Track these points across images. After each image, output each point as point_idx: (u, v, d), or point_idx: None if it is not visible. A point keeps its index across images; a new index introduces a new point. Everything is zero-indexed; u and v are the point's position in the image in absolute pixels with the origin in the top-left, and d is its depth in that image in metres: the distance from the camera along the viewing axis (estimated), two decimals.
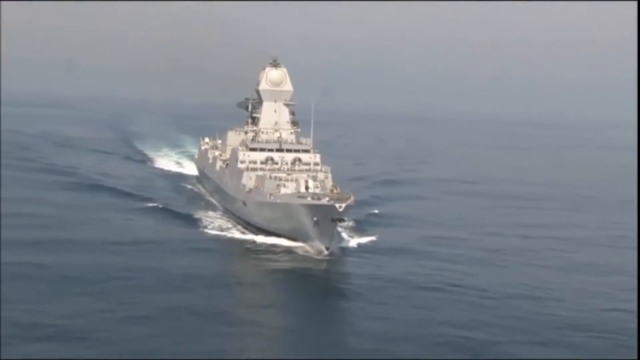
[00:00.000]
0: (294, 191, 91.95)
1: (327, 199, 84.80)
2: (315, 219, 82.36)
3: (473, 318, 64.17)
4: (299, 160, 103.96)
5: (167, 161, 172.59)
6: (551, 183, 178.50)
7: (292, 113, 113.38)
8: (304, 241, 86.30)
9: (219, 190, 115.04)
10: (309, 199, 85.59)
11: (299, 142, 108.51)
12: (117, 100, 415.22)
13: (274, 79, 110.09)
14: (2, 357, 40.66)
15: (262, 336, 60.00)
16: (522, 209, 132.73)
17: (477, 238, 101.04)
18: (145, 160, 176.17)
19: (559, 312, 67.44)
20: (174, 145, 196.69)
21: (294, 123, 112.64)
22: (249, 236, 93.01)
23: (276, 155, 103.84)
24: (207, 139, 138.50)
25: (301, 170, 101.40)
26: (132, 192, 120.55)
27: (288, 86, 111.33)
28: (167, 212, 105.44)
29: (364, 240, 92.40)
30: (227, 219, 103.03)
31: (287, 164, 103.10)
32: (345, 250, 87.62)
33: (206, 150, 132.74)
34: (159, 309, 62.29)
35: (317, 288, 76.26)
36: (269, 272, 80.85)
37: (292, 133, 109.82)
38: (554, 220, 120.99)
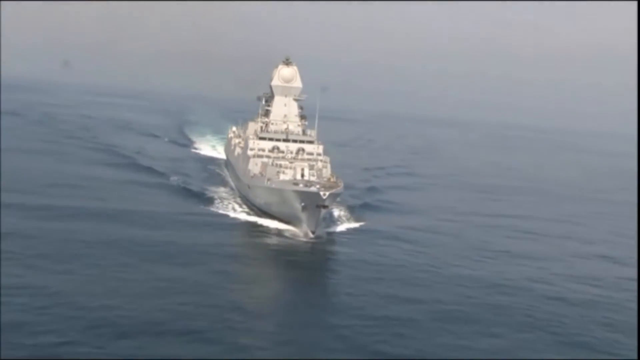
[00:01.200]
0: (291, 178, 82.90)
1: (317, 186, 75.79)
2: (302, 204, 73.46)
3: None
4: (303, 150, 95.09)
5: (205, 145, 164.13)
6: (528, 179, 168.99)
7: (301, 107, 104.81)
8: (294, 224, 77.49)
9: (234, 175, 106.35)
10: (300, 185, 76.70)
11: (304, 134, 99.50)
12: (175, 93, 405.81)
13: (285, 75, 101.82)
14: (2, 357, 34.98)
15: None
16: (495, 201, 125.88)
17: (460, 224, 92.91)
18: (188, 144, 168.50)
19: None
20: (217, 132, 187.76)
21: (302, 117, 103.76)
22: (252, 218, 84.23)
23: (282, 145, 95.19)
24: (234, 128, 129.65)
25: (303, 159, 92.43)
26: (163, 171, 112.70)
27: (298, 83, 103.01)
28: (186, 191, 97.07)
29: (354, 225, 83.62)
30: (238, 202, 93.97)
31: (291, 152, 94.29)
32: (332, 234, 78.81)
33: (231, 137, 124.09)
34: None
35: (295, 263, 68.60)
36: (256, 247, 74.16)
37: (298, 125, 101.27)
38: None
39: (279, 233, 76.98)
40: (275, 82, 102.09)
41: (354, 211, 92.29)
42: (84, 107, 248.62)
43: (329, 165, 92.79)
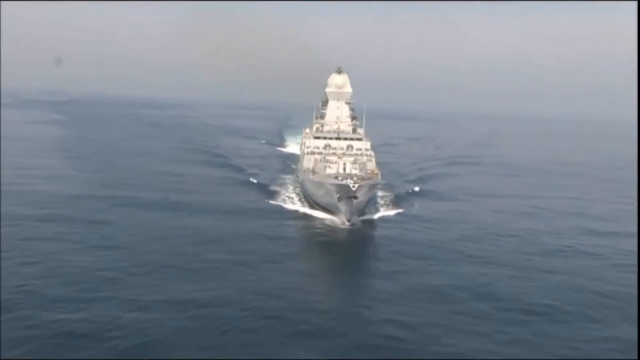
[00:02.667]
0: (335, 172, 73.82)
1: (353, 179, 66.28)
2: (337, 195, 64.21)
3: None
4: (351, 146, 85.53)
5: (293, 145, 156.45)
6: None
7: (352, 109, 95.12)
8: (334, 214, 67.92)
9: (298, 170, 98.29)
10: (339, 178, 67.29)
11: (354, 133, 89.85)
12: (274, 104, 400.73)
13: (338, 83, 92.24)
14: (2, 357, 30.82)
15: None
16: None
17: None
18: (279, 144, 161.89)
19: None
20: None
21: (353, 117, 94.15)
22: (304, 208, 73.65)
23: (334, 142, 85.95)
24: (307, 129, 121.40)
25: (350, 155, 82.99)
26: (244, 167, 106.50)
27: (348, 88, 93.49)
28: (256, 185, 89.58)
29: (391, 212, 73.05)
30: (298, 193, 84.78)
31: (342, 149, 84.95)
32: (368, 222, 68.41)
33: (303, 137, 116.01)
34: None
35: (329, 245, 59.56)
36: (298, 232, 64.21)
37: (349, 125, 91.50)
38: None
39: (321, 221, 67.70)
40: (329, 88, 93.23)
41: (398, 199, 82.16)
42: (206, 118, 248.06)
43: (373, 159, 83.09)
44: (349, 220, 64.64)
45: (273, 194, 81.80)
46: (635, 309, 43.65)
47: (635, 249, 60.78)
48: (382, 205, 77.47)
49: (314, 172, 75.91)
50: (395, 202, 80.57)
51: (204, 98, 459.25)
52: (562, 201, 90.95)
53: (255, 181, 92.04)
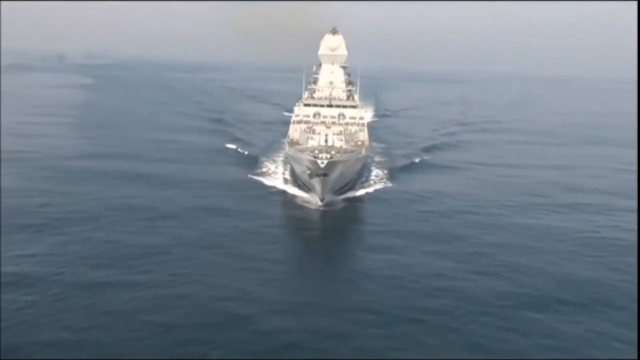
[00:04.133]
0: (317, 144, 65.71)
1: (330, 153, 58.12)
2: (308, 172, 56.17)
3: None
4: (343, 115, 76.53)
5: None
6: None
7: (348, 74, 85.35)
8: (310, 192, 59.90)
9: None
10: (315, 152, 58.94)
11: (349, 99, 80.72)
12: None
13: (331, 45, 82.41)
14: (2, 357, 28.77)
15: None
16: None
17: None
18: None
19: None
20: None
21: (349, 82, 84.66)
22: (284, 185, 64.89)
23: (325, 110, 76.92)
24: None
25: (340, 124, 74.34)
26: (240, 135, 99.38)
27: (343, 50, 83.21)
28: (244, 156, 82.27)
29: (373, 189, 64.60)
30: (285, 168, 75.98)
31: (333, 117, 76.20)
32: (349, 200, 60.14)
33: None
34: None
35: (293, 230, 52.75)
36: (264, 211, 55.39)
37: (343, 91, 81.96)
38: None
39: (295, 200, 59.75)
40: (322, 50, 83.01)
41: (393, 173, 73.62)
42: (232, 81, 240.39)
43: (365, 130, 74.31)
44: (322, 200, 56.74)
45: (257, 168, 74.28)
46: None
47: None
48: (374, 180, 69.31)
49: (297, 143, 68.04)
50: (391, 175, 72.25)
51: (241, 60, 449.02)
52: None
53: (246, 152, 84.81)
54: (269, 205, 58.14)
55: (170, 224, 49.53)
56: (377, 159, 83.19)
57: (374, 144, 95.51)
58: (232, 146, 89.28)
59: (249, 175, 68.96)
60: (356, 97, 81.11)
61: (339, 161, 55.81)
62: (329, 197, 57.44)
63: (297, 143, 68.33)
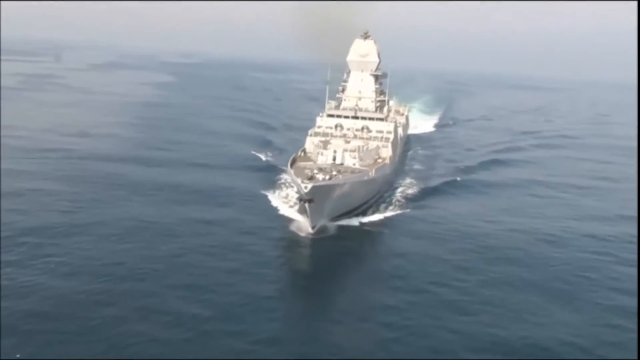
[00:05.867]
0: (326, 160, 58.53)
1: (327, 174, 51.06)
2: (298, 195, 49.21)
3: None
4: (367, 128, 68.70)
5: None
6: None
7: (380, 83, 77.00)
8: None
9: None
10: (314, 172, 52.09)
11: (377, 111, 72.58)
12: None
13: (361, 50, 74.43)
14: (2, 357, 28.23)
15: None
16: None
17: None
18: None
19: None
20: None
21: (380, 92, 76.45)
22: (285, 206, 56.80)
23: (348, 122, 69.47)
24: None
25: (362, 138, 66.69)
26: (277, 142, 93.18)
27: (374, 57, 75.13)
28: (264, 166, 75.86)
29: (377, 217, 55.87)
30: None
31: (358, 130, 68.65)
32: (340, 230, 51.34)
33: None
34: None
35: (269, 264, 43.18)
36: (249, 237, 48.21)
37: (372, 102, 73.75)
38: None
39: (286, 226, 52.47)
40: (351, 56, 75.40)
41: (418, 195, 64.98)
42: (307, 83, 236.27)
43: (390, 146, 66.03)
44: (313, 227, 49.40)
45: (273, 180, 68.07)
46: None
47: None
48: (392, 203, 61.08)
49: (308, 158, 61.21)
50: (415, 198, 63.68)
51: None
52: None
53: (264, 159, 78.59)
54: (258, 230, 51.47)
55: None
56: (409, 178, 74.76)
57: (416, 159, 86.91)
58: (261, 156, 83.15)
59: (262, 191, 62.44)
60: (385, 109, 72.92)
61: (326, 185, 48.17)
62: (322, 223, 50.06)
63: (307, 158, 61.48)
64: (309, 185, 45.87)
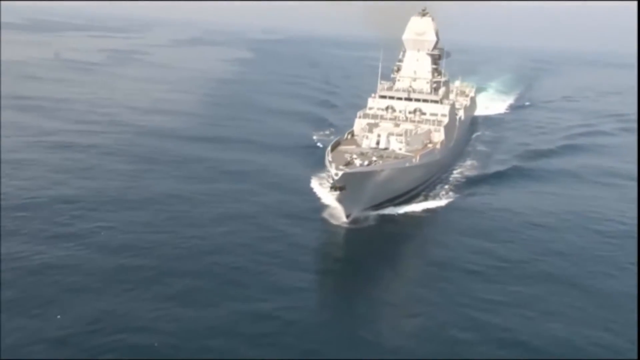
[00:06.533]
0: (367, 146, 56.26)
1: (367, 159, 49.14)
2: (330, 183, 47.17)
3: None
4: (420, 110, 65.53)
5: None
6: None
7: (436, 63, 72.80)
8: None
9: None
10: (352, 157, 50.21)
11: (433, 93, 68.84)
12: None
13: (418, 28, 70.50)
14: (2, 357, 27.99)
15: None
16: None
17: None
18: None
19: None
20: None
21: (438, 73, 72.31)
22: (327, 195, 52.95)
23: (400, 104, 66.49)
24: None
25: (413, 121, 63.78)
26: (337, 123, 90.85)
27: (431, 36, 70.76)
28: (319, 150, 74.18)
29: (425, 205, 53.36)
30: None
31: (410, 112, 65.69)
32: (378, 219, 49.05)
33: None
34: None
35: (295, 256, 41.10)
36: (283, 227, 46.46)
37: (427, 82, 69.91)
38: None
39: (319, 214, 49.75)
40: (407, 35, 71.34)
41: (473, 181, 61.78)
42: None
43: (442, 130, 62.65)
44: (347, 216, 47.65)
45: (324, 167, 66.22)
46: None
47: None
48: (443, 190, 58.31)
49: (354, 142, 59.23)
50: (469, 184, 60.57)
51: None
52: None
53: (318, 140, 77.04)
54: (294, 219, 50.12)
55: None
56: (469, 160, 71.39)
57: (480, 141, 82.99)
58: (318, 136, 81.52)
59: (312, 177, 60.33)
60: (442, 91, 69.03)
61: (359, 173, 46.09)
62: (358, 212, 48.26)
63: (353, 141, 59.47)
64: (340, 172, 44.04)
